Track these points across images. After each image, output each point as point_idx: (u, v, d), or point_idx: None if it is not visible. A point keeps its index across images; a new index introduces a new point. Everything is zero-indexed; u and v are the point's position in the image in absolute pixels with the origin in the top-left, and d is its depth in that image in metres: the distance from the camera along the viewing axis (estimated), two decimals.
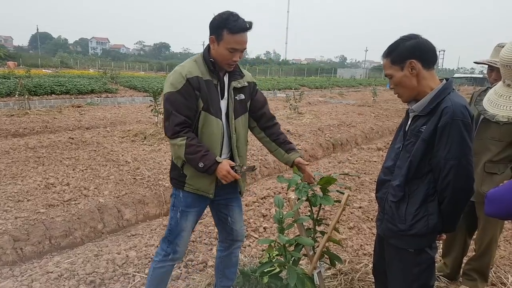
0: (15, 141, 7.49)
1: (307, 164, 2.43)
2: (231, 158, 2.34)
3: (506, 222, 4.51)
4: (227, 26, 2.05)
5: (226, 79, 2.28)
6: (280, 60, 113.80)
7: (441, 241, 2.01)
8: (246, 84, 2.36)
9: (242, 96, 2.34)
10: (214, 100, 2.20)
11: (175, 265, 3.29)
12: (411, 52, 1.76)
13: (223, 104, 2.26)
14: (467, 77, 64.72)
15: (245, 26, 2.09)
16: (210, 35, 2.14)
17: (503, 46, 2.60)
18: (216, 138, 2.23)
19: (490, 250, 2.90)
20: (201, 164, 2.10)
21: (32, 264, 3.43)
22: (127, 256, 3.44)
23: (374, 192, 2.17)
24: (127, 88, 21.54)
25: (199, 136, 2.21)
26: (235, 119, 2.29)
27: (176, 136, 2.12)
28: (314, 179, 2.38)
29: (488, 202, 1.46)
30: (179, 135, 2.11)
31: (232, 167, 2.18)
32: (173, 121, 2.11)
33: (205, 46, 2.26)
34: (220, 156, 2.25)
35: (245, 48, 2.18)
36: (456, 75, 68.07)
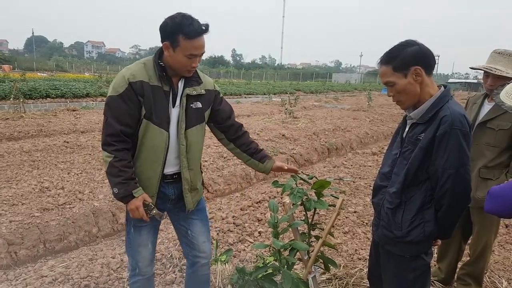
0: (9, 144, 7.46)
1: (286, 166, 2.39)
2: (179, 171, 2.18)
3: (500, 227, 4.54)
4: (182, 31, 1.88)
5: (181, 85, 2.10)
6: (276, 64, 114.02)
7: (436, 247, 2.02)
8: (203, 92, 2.16)
9: (199, 105, 2.15)
10: (160, 108, 2.01)
11: (170, 270, 3.30)
12: (416, 59, 1.75)
13: (174, 112, 2.08)
14: (462, 82, 65.12)
15: (202, 30, 1.92)
16: (164, 41, 1.95)
17: (499, 52, 2.65)
18: (158, 150, 2.05)
19: (485, 255, 2.92)
20: (115, 190, 1.95)
21: (26, 268, 3.41)
22: (121, 260, 3.43)
23: (370, 197, 2.18)
24: None
25: (139, 146, 2.04)
26: (186, 129, 2.11)
27: (105, 149, 1.95)
28: (299, 171, 2.35)
29: (490, 199, 1.47)
30: (107, 149, 1.95)
31: (145, 205, 2.01)
32: (107, 131, 1.95)
33: (158, 49, 2.06)
34: (165, 169, 2.11)
35: (204, 52, 2.01)
36: (450, 80, 68.43)
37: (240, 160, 2.55)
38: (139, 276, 2.27)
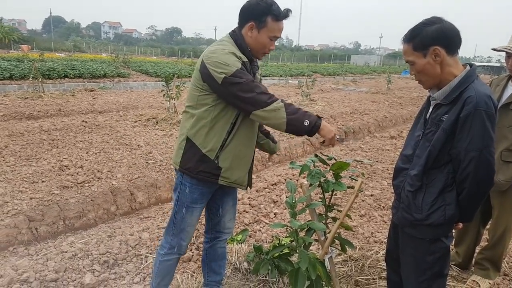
0: (29, 123, 7.59)
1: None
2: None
3: None
4: (272, 12, 1.97)
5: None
6: (293, 46, 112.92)
7: (455, 230, 1.98)
8: (260, 77, 2.29)
9: None
10: None
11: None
12: (435, 38, 1.68)
13: None
14: (484, 65, 63.27)
15: (288, 13, 2.02)
16: (248, 21, 2.01)
17: None
18: (255, 127, 2.19)
19: (504, 240, 2.87)
20: (306, 122, 1.94)
21: (47, 244, 3.50)
22: (140, 238, 3.49)
23: (387, 180, 2.14)
24: (139, 73, 21.62)
25: (239, 127, 2.10)
26: None
27: (272, 101, 1.93)
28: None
29: None
30: (271, 99, 1.93)
31: None
32: (259, 88, 1.95)
33: (233, 31, 2.12)
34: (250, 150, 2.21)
35: (280, 37, 2.12)
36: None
37: None
38: (175, 255, 2.33)
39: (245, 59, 2.04)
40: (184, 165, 2.16)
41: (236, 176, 2.17)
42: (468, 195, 1.74)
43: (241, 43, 2.06)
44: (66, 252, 3.23)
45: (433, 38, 1.68)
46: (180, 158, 2.16)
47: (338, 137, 2.08)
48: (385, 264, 3.00)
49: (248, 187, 2.39)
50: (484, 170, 1.67)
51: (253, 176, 5.62)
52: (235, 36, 2.08)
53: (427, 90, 1.90)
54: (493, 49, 2.81)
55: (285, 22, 2.07)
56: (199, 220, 3.73)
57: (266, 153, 2.70)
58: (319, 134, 2.01)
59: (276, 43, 2.21)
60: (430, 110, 1.88)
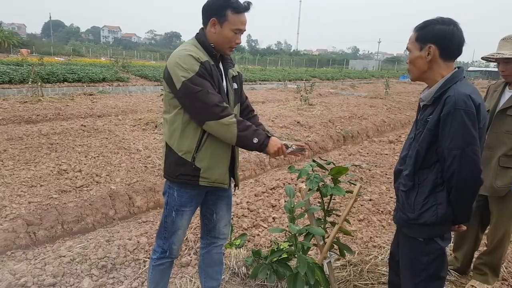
0: (28, 127, 7.58)
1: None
2: (233, 150, 2.25)
3: None
4: (231, 5, 1.99)
5: (221, 66, 2.18)
6: (291, 50, 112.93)
7: (454, 234, 1.99)
8: (237, 73, 2.28)
9: (235, 86, 2.25)
10: (222, 86, 2.10)
11: (185, 253, 3.33)
12: (435, 37, 1.76)
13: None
14: (482, 70, 63.41)
15: (247, 5, 2.04)
16: (209, 18, 2.04)
17: (504, 38, 2.73)
18: None
19: (503, 245, 2.87)
20: (255, 140, 1.98)
21: (45, 248, 3.49)
22: (138, 242, 3.48)
23: (385, 185, 2.17)
24: (138, 77, 21.62)
25: None
26: (233, 108, 2.21)
27: (225, 114, 1.95)
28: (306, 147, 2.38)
29: None
30: (224, 113, 1.95)
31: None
32: (214, 99, 1.95)
33: (197, 32, 2.14)
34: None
35: (245, 30, 2.10)
36: (470, 69, 66.70)
37: None
38: (168, 259, 2.33)
39: (205, 59, 2.02)
40: (166, 171, 2.20)
41: (216, 175, 2.15)
42: (455, 194, 1.77)
43: (204, 41, 2.08)
44: (64, 256, 3.22)
45: (433, 36, 1.76)
46: (164, 164, 2.21)
47: (294, 147, 2.11)
48: (384, 269, 3.02)
49: (236, 187, 2.42)
50: (468, 168, 1.70)
51: (251, 180, 5.63)
52: (199, 36, 2.12)
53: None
54: (482, 58, 2.86)
55: (282, 25, 2.11)
56: (198, 224, 3.74)
57: (266, 156, 2.71)
58: (266, 151, 2.04)
59: (275, 47, 2.24)
60: (420, 111, 1.95)
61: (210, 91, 1.96)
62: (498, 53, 2.62)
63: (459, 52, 1.79)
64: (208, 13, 2.05)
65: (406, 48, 1.89)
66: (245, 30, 2.10)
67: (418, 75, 1.87)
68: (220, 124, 1.96)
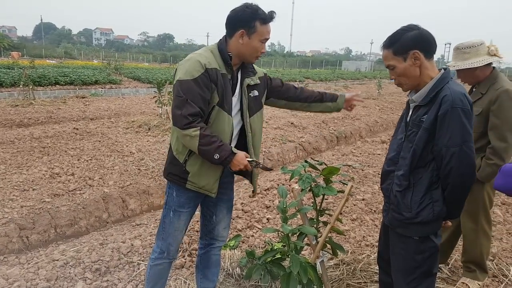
0: (20, 131, 7.54)
1: (354, 95, 2.57)
2: None
3: (509, 215, 4.52)
4: (259, 16, 2.04)
5: (239, 75, 2.22)
6: (285, 52, 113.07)
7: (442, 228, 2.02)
8: (258, 81, 2.30)
9: (256, 93, 2.27)
10: (228, 96, 2.11)
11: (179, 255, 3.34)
12: (415, 43, 1.80)
13: (233, 100, 2.18)
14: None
15: (273, 15, 2.10)
16: (238, 29, 2.06)
17: (454, 48, 2.74)
18: (226, 136, 2.12)
19: (478, 241, 2.88)
20: (216, 156, 1.98)
21: (38, 252, 3.48)
22: (132, 245, 3.48)
23: (378, 184, 2.19)
24: (131, 79, 21.57)
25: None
26: (250, 117, 2.23)
27: (189, 127, 1.96)
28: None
29: (501, 176, 1.53)
30: (192, 125, 1.96)
31: (249, 161, 2.09)
32: (187, 110, 1.96)
33: (220, 39, 2.18)
34: None
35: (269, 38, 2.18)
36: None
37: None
38: (166, 260, 2.35)
39: (214, 66, 2.05)
40: (164, 167, 2.29)
41: (204, 182, 2.15)
42: (452, 189, 1.81)
43: (223, 49, 2.12)
44: (57, 260, 3.21)
45: (412, 43, 1.80)
46: (166, 162, 2.29)
47: (261, 165, 2.16)
48: (376, 268, 3.04)
49: (253, 193, 2.55)
50: (466, 164, 1.75)
51: (246, 182, 5.63)
52: (220, 43, 2.16)
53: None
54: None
55: (276, 26, 2.16)
56: (192, 227, 3.75)
57: (260, 158, 2.72)
58: (228, 167, 2.08)
59: (268, 49, 2.28)
60: (410, 113, 1.97)
61: (190, 100, 1.97)
62: (453, 65, 2.73)
63: (436, 47, 1.86)
64: (235, 24, 2.08)
65: (387, 67, 1.91)
66: (269, 39, 2.16)
67: (413, 83, 1.89)
68: (182, 134, 2.00)
